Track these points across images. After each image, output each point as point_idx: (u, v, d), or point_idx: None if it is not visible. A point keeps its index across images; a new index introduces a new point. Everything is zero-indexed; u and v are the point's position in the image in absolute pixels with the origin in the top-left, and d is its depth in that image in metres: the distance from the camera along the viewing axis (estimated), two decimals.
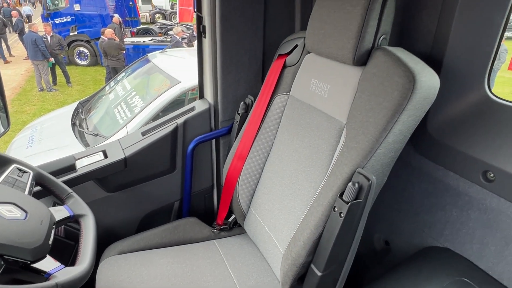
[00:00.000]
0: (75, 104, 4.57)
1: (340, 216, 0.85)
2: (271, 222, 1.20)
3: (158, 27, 13.43)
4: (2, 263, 0.72)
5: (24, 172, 0.99)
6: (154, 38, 10.69)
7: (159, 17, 18.88)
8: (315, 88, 1.11)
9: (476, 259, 1.05)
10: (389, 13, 0.92)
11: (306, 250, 0.94)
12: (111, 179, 1.36)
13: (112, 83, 4.77)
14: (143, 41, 10.01)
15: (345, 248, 0.90)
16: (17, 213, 0.82)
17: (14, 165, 0.98)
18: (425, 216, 1.19)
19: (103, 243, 1.31)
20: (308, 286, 0.96)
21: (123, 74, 4.81)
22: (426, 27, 1.01)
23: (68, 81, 8.93)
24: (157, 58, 4.64)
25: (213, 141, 1.56)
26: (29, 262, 0.76)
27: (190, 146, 1.45)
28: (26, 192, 0.94)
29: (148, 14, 18.80)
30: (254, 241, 1.33)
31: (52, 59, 8.23)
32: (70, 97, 8.04)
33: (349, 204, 0.83)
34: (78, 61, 10.78)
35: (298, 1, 1.40)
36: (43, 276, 0.77)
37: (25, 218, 0.82)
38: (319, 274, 0.92)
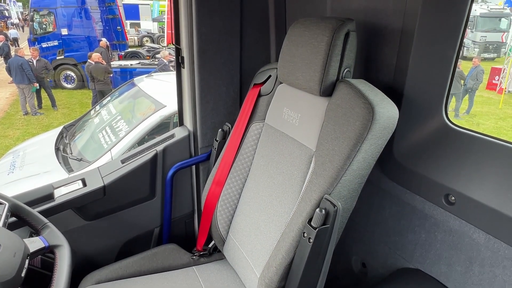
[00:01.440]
0: (59, 129, 4.55)
1: (309, 242, 0.88)
2: (249, 247, 1.22)
3: (146, 50, 13.59)
4: None
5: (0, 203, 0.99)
6: (141, 61, 10.79)
7: (147, 41, 19.11)
8: (287, 116, 1.16)
9: (445, 279, 1.08)
10: (351, 48, 0.99)
11: (278, 276, 0.96)
12: (90, 207, 1.36)
13: (97, 107, 4.79)
14: (131, 64, 10.10)
15: (315, 272, 0.93)
16: None
17: None
18: (397, 238, 1.23)
19: (81, 272, 1.30)
20: None
21: (109, 98, 4.84)
22: (388, 60, 1.08)
23: (53, 104, 8.89)
24: (143, 82, 4.69)
25: (193, 167, 1.59)
26: None
27: (170, 173, 1.47)
28: (1, 224, 0.95)
29: (136, 38, 19.02)
30: (233, 266, 1.34)
31: (37, 84, 8.22)
32: (56, 121, 7.99)
33: (317, 229, 0.87)
34: (65, 84, 10.76)
35: (273, 32, 1.48)
36: None
37: None
38: None
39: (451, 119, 1.04)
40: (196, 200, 1.63)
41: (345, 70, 1.00)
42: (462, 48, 0.98)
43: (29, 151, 3.99)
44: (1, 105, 9.22)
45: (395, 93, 1.07)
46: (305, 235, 0.90)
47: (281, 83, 1.24)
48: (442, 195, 1.01)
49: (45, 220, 1.06)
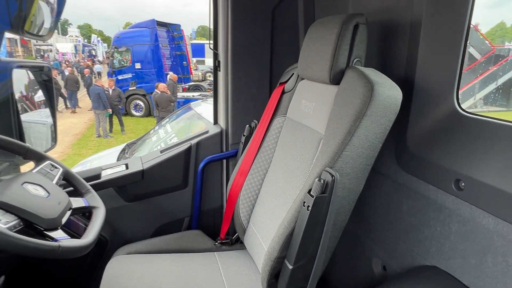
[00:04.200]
0: (122, 146, 5.04)
1: (308, 210, 0.93)
2: (265, 234, 1.28)
3: (208, 84, 14.56)
4: (22, 223, 0.89)
5: (55, 167, 1.20)
6: (202, 93, 11.60)
7: (209, 76, 20.49)
8: (304, 107, 1.25)
9: (459, 274, 1.03)
10: (361, 39, 1.07)
11: (279, 245, 1.01)
12: (129, 189, 1.54)
13: (156, 127, 5.23)
14: (193, 96, 10.91)
15: (313, 242, 0.96)
16: (41, 192, 1.01)
17: (48, 161, 1.19)
18: (414, 234, 1.20)
19: (117, 246, 1.46)
20: (282, 280, 1.02)
21: (167, 120, 5.27)
22: (400, 53, 1.14)
23: (122, 129, 9.83)
24: (199, 106, 5.06)
25: (224, 163, 1.71)
26: (43, 229, 0.93)
27: (201, 165, 1.61)
28: (54, 182, 1.14)
29: (200, 73, 20.51)
30: (251, 254, 1.40)
31: (110, 110, 9.21)
32: (122, 144, 8.80)
33: (315, 197, 0.92)
34: (134, 112, 11.89)
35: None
36: (52, 241, 0.92)
37: (47, 197, 1.01)
38: (290, 267, 0.97)
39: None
40: (225, 195, 1.74)
41: (355, 60, 1.07)
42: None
43: (95, 163, 4.46)
44: (79, 128, 10.41)
45: (407, 84, 1.11)
46: (305, 204, 0.95)
47: (302, 79, 1.34)
48: (452, 180, 1.00)
49: (88, 186, 1.24)
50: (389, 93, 0.94)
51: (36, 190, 1.01)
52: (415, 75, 1.09)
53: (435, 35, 1.02)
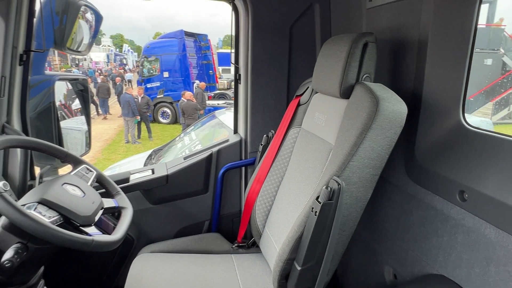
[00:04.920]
0: (150, 151, 5.26)
1: (315, 215, 1.00)
2: (279, 239, 1.35)
3: (232, 92, 14.83)
4: (61, 219, 1.02)
5: (90, 171, 1.33)
6: (227, 101, 11.85)
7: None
8: (317, 119, 1.33)
9: (465, 283, 1.07)
10: (370, 57, 1.14)
11: (289, 247, 1.08)
12: (155, 192, 1.66)
13: (182, 135, 5.42)
14: (218, 104, 11.17)
15: (320, 245, 1.03)
16: (78, 192, 1.14)
17: (84, 165, 1.33)
18: (423, 244, 1.24)
19: (143, 244, 1.58)
20: (291, 280, 1.09)
21: (192, 127, 5.46)
22: (408, 69, 1.19)
23: (150, 136, 10.18)
24: (223, 114, 5.22)
25: (243, 171, 1.80)
26: (78, 225, 1.05)
27: (221, 172, 1.71)
28: (89, 183, 1.27)
29: (226, 81, 20.86)
30: (266, 257, 1.48)
31: (139, 117, 9.58)
32: (150, 149, 9.12)
33: (322, 204, 0.99)
34: (161, 119, 12.28)
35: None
36: (87, 235, 1.04)
37: (82, 197, 1.14)
38: (298, 268, 1.04)
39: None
40: (243, 201, 1.83)
41: (364, 76, 1.15)
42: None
43: (123, 168, 4.68)
44: (110, 134, 10.86)
45: (415, 98, 1.17)
46: (313, 209, 1.02)
47: (316, 93, 1.42)
48: (457, 191, 1.04)
49: (118, 188, 1.37)
50: (394, 107, 1.00)
51: (74, 191, 1.13)
52: (422, 90, 1.14)
53: (441, 53, 1.08)
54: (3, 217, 0.98)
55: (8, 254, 0.90)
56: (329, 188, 1.00)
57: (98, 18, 1.78)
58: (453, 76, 1.08)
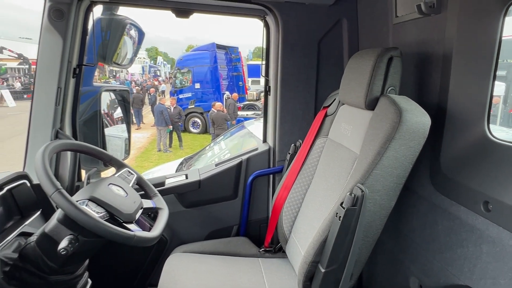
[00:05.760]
0: (180, 160, 5.45)
1: (339, 220, 1.06)
2: (305, 244, 1.41)
3: (261, 103, 15.03)
4: (108, 215, 1.13)
5: (131, 174, 1.45)
6: (256, 112, 12.03)
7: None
8: (343, 130, 1.39)
9: None
10: (395, 70, 1.19)
11: (314, 250, 1.13)
12: (188, 196, 1.77)
13: (211, 144, 5.58)
14: (247, 114, 11.37)
15: (344, 249, 1.08)
16: (121, 192, 1.26)
17: (126, 168, 1.45)
18: (448, 254, 1.25)
19: (176, 244, 1.69)
20: (315, 282, 1.14)
21: (222, 137, 5.61)
22: (433, 83, 1.23)
23: (181, 145, 10.49)
24: (252, 125, 5.33)
25: (271, 179, 1.87)
26: (122, 221, 1.16)
27: (250, 179, 1.79)
28: (130, 185, 1.39)
29: (255, 93, 21.14)
30: (291, 263, 1.53)
31: (171, 127, 9.93)
32: (180, 158, 9.40)
33: (345, 209, 1.04)
34: (192, 129, 12.64)
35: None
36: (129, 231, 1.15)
37: (125, 196, 1.25)
38: (322, 270, 1.09)
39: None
40: (270, 207, 1.89)
41: (389, 88, 1.20)
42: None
43: (155, 175, 4.88)
44: (143, 143, 11.29)
45: (440, 110, 1.20)
46: (337, 214, 1.08)
47: (342, 104, 1.47)
48: (481, 202, 1.06)
49: (156, 191, 1.48)
50: (417, 119, 1.05)
51: (118, 191, 1.25)
52: (447, 103, 1.17)
53: (465, 66, 1.11)
54: (58, 211, 1.11)
55: (64, 243, 1.02)
56: (353, 195, 1.06)
57: (141, 34, 1.94)
58: (477, 89, 1.11)
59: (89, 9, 1.53)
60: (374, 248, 1.22)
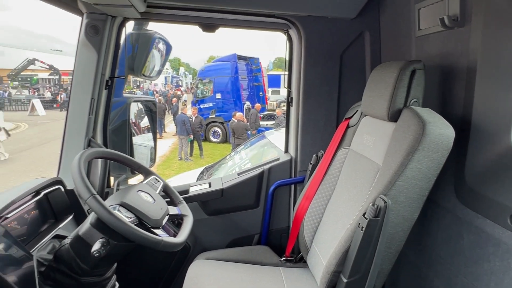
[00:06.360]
0: (202, 168, 5.53)
1: (362, 230, 1.07)
2: (326, 255, 1.42)
3: (282, 113, 15.07)
4: (136, 220, 1.19)
5: (158, 181, 1.51)
6: (276, 121, 12.07)
7: (283, 105, 21.09)
8: (365, 141, 1.40)
9: None
10: (418, 83, 1.20)
11: (336, 260, 1.14)
12: (211, 204, 1.81)
13: (232, 153, 5.64)
14: (266, 124, 11.43)
15: (366, 260, 1.08)
16: (149, 199, 1.31)
17: (153, 176, 1.51)
18: (473, 268, 1.23)
19: (198, 251, 1.72)
20: None
21: (242, 146, 5.66)
22: (458, 95, 1.23)
23: (201, 154, 10.64)
24: (272, 135, 5.36)
25: (292, 188, 1.89)
26: (150, 226, 1.21)
27: (271, 188, 1.82)
28: (157, 192, 1.45)
29: (275, 103, 21.23)
30: (312, 273, 1.54)
31: (192, 136, 10.10)
32: (201, 167, 9.52)
33: (368, 220, 1.05)
34: (212, 138, 12.81)
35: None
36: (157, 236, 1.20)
37: (153, 203, 1.31)
38: (345, 280, 1.10)
39: None
40: (292, 216, 1.91)
41: (412, 100, 1.21)
42: None
43: (176, 183, 4.97)
44: (164, 151, 11.52)
45: (465, 123, 1.20)
46: (360, 225, 1.09)
47: (365, 116, 1.49)
48: (508, 215, 1.04)
49: (181, 198, 1.53)
50: (441, 131, 1.05)
51: (146, 197, 1.31)
52: (472, 115, 1.17)
53: (490, 79, 1.11)
54: (91, 215, 1.17)
55: (97, 246, 1.08)
56: (375, 206, 1.07)
57: (168, 48, 2.03)
58: (503, 101, 1.10)
59: (122, 25, 1.62)
60: (397, 260, 1.22)
